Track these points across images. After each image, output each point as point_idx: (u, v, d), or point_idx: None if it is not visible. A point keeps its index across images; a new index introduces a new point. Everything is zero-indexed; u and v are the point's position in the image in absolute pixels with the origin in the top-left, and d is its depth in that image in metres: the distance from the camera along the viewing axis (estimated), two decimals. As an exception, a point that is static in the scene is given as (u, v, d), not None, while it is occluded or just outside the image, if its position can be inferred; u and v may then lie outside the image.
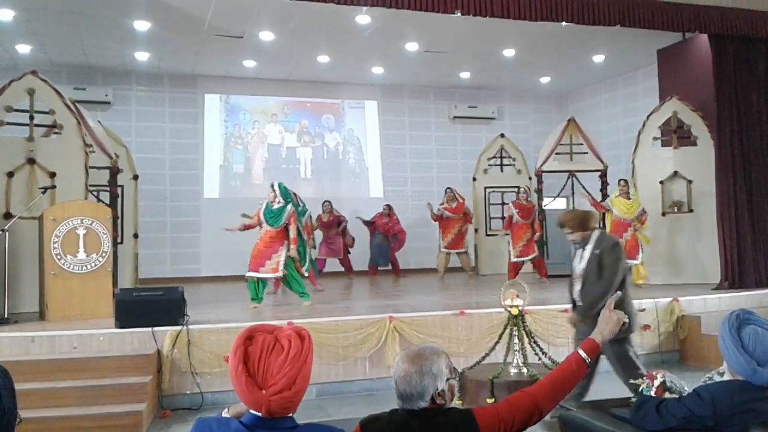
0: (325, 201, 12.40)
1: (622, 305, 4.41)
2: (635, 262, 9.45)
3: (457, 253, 12.42)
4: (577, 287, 4.95)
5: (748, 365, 2.43)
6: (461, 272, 12.69)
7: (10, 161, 7.82)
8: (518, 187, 11.78)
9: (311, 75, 13.82)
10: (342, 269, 12.50)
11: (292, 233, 8.14)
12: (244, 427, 1.79)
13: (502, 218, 12.17)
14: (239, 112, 14.30)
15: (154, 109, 13.56)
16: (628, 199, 9.58)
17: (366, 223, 13.00)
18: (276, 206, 8.13)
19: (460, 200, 12.37)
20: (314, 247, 11.57)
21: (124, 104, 13.30)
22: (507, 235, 11.22)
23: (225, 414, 1.99)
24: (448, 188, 12.58)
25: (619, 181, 9.85)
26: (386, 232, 12.91)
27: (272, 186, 8.34)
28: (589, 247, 4.84)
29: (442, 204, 12.39)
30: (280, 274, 8.11)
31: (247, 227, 8.47)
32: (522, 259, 10.96)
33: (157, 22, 10.36)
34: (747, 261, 9.15)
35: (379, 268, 13.01)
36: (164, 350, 6.15)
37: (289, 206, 8.20)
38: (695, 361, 7.64)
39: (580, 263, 4.92)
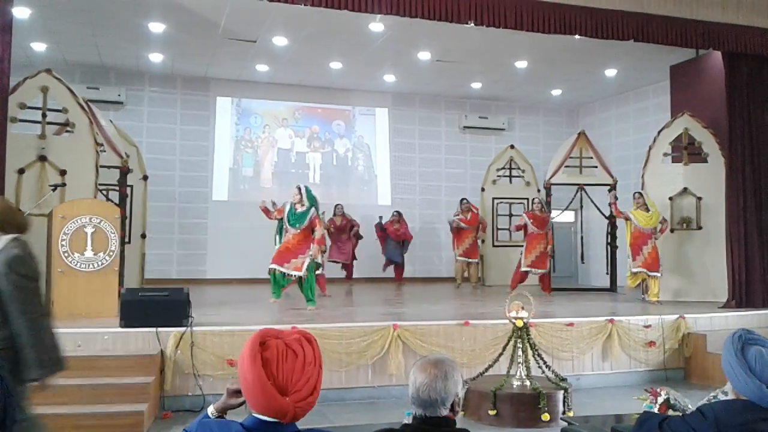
0: (338, 204, 12.66)
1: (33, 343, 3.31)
2: (656, 274, 9.55)
3: (468, 262, 12.37)
4: None
5: (759, 389, 2.41)
6: (468, 282, 12.64)
7: (22, 158, 7.83)
8: (532, 198, 11.83)
9: (323, 81, 13.86)
10: (336, 276, 12.48)
11: (318, 233, 8.36)
12: (246, 431, 1.77)
13: (512, 229, 12.14)
14: (250, 115, 14.35)
15: (166, 111, 13.62)
16: (647, 210, 9.72)
17: (380, 227, 13.07)
18: (300, 209, 8.29)
19: (475, 211, 12.37)
20: (324, 251, 11.65)
21: (136, 105, 13.36)
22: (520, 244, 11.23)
23: (211, 413, 1.95)
24: (464, 199, 12.55)
25: (634, 194, 10.02)
26: (398, 238, 12.97)
27: (299, 188, 8.53)
28: None
29: (457, 215, 12.35)
30: (302, 273, 8.24)
31: (266, 212, 8.82)
32: (532, 270, 10.91)
33: (172, 24, 10.42)
34: (755, 280, 9.07)
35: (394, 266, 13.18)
36: (167, 351, 6.15)
37: (313, 209, 8.40)
38: (700, 379, 7.60)
39: None
